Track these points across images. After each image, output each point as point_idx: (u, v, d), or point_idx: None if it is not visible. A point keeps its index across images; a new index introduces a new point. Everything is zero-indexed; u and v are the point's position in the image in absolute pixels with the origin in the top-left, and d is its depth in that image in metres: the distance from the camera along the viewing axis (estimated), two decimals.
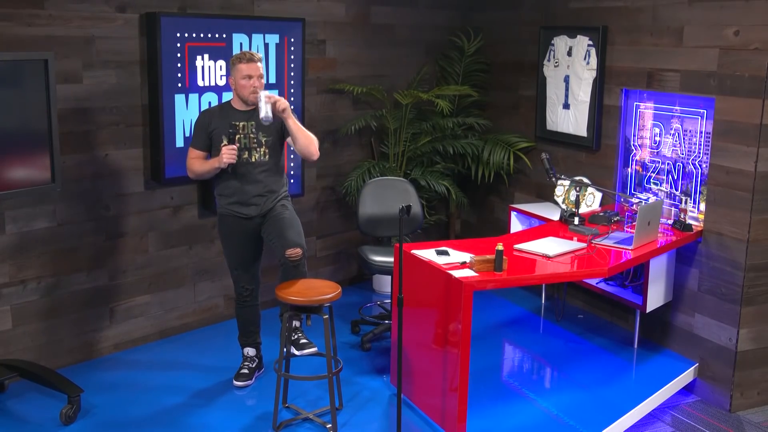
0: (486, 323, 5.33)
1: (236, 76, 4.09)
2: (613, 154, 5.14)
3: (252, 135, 4.14)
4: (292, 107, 5.25)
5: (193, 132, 4.21)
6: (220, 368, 4.54)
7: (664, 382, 4.39)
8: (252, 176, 4.15)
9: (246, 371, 4.38)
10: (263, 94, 4.01)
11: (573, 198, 4.83)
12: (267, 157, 4.17)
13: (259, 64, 4.10)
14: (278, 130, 4.20)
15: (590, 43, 5.17)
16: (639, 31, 4.83)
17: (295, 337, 4.10)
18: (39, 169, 3.90)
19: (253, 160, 4.14)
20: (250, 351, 4.42)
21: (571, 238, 4.38)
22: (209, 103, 4.82)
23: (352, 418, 4.05)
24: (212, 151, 4.16)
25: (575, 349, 4.92)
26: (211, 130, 4.13)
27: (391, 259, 4.73)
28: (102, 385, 4.29)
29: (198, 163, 4.16)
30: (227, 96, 4.89)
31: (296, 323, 4.13)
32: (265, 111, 3.96)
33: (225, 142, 4.09)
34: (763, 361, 4.38)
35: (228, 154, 4.03)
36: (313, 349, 4.09)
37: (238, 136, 4.09)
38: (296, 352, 4.06)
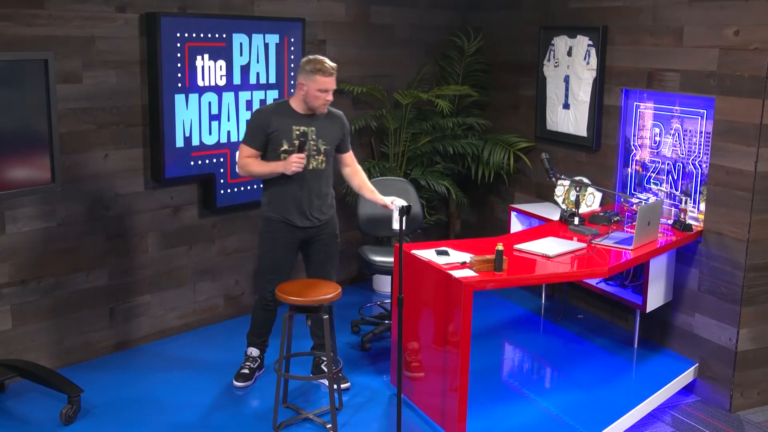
0: (486, 323, 5.33)
1: (311, 85, 3.95)
2: (613, 154, 5.14)
3: (312, 142, 4.05)
4: None
5: (249, 130, 4.08)
6: (220, 368, 4.54)
7: (664, 382, 4.39)
8: (307, 184, 4.08)
9: (246, 371, 4.37)
10: (400, 206, 3.97)
11: (573, 198, 4.83)
12: (324, 165, 4.11)
13: (335, 75, 4.01)
14: (337, 140, 4.17)
15: (590, 43, 5.17)
16: (639, 31, 4.83)
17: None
18: (39, 169, 3.90)
19: (311, 167, 4.06)
20: (254, 351, 4.41)
21: (571, 238, 4.38)
22: (209, 103, 4.83)
23: (352, 418, 4.05)
24: (267, 151, 4.07)
25: (575, 349, 4.92)
26: (271, 131, 4.02)
27: (391, 259, 4.73)
28: (102, 385, 4.29)
29: (255, 164, 4.05)
30: (227, 96, 4.90)
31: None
32: (402, 222, 3.94)
33: (285, 146, 4.00)
34: (763, 361, 4.37)
35: (297, 163, 3.95)
36: (347, 384, 4.31)
37: (307, 143, 4.01)
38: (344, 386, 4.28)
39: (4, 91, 3.72)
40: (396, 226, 3.94)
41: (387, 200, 4.13)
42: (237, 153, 4.15)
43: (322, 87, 3.96)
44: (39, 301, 4.37)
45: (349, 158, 4.33)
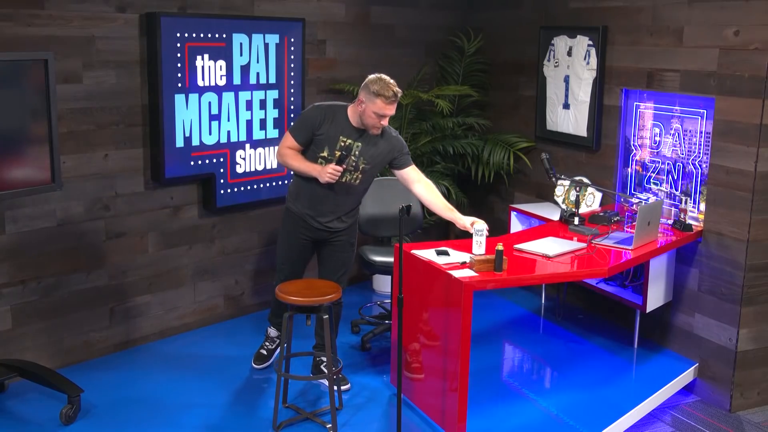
0: (486, 323, 5.33)
1: (369, 105, 3.89)
2: (613, 154, 5.14)
3: (353, 157, 4.01)
4: (292, 107, 5.27)
5: (299, 122, 4.06)
6: (220, 368, 4.54)
7: (664, 382, 4.39)
8: (333, 194, 4.06)
9: (264, 352, 4.52)
10: (485, 231, 3.91)
11: (573, 198, 4.83)
12: (357, 182, 4.07)
13: (397, 102, 3.94)
14: (380, 163, 4.11)
15: (590, 43, 5.17)
16: (639, 31, 4.83)
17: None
18: (39, 169, 3.90)
19: (344, 180, 4.03)
20: (273, 332, 4.54)
21: (571, 238, 4.38)
22: (209, 103, 4.82)
23: (352, 418, 4.05)
24: (308, 150, 4.05)
25: (575, 349, 4.92)
26: (319, 133, 3.99)
27: (391, 259, 4.73)
28: (102, 385, 4.29)
29: (293, 157, 4.04)
30: (227, 96, 4.90)
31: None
32: (483, 247, 3.90)
33: (326, 153, 3.98)
34: (763, 361, 4.38)
35: (332, 174, 3.91)
36: (347, 386, 4.30)
37: (348, 159, 3.96)
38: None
39: (4, 91, 3.71)
40: (477, 250, 3.89)
41: (467, 222, 4.02)
42: (282, 137, 4.17)
43: (379, 111, 3.90)
44: (39, 301, 4.37)
45: (413, 173, 4.18)
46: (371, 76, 3.97)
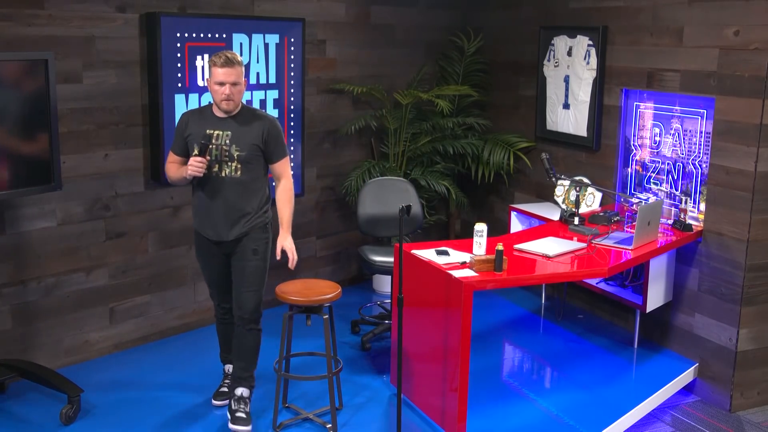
0: (486, 323, 5.33)
1: (210, 80, 3.71)
2: (613, 154, 5.14)
3: (225, 147, 3.73)
4: (292, 107, 5.26)
5: (175, 134, 3.92)
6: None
7: (664, 382, 4.39)
8: (219, 193, 3.76)
9: (225, 389, 4.20)
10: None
11: (573, 198, 4.83)
12: (239, 173, 3.75)
13: (237, 68, 3.67)
14: (255, 147, 3.78)
15: (590, 43, 5.17)
16: (639, 31, 4.83)
17: (236, 407, 3.88)
18: (39, 169, 3.90)
19: (223, 174, 3.75)
20: (230, 368, 4.23)
21: (571, 238, 4.38)
22: (209, 103, 4.82)
23: (352, 418, 4.05)
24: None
25: (575, 349, 4.92)
26: (187, 134, 3.80)
27: (391, 259, 4.73)
28: (102, 385, 4.29)
29: (173, 169, 3.85)
30: None
31: (244, 392, 3.89)
32: (483, 247, 3.84)
33: (196, 152, 3.69)
34: (763, 361, 4.38)
35: (194, 166, 3.66)
36: (247, 428, 3.82)
37: (210, 147, 3.71)
38: (232, 427, 3.83)
39: (4, 91, 3.72)
40: (477, 250, 3.86)
41: (279, 245, 3.82)
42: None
43: (216, 79, 3.66)
44: (39, 301, 4.37)
45: (277, 170, 3.88)
46: None
